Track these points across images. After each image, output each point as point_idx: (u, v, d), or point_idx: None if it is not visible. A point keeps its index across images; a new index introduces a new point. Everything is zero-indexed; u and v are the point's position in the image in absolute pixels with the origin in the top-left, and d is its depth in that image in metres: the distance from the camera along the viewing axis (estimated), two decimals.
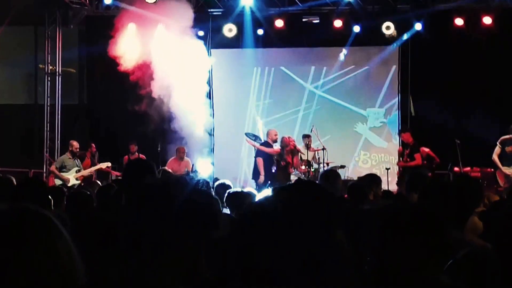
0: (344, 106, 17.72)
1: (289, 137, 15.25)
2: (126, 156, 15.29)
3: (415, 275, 2.57)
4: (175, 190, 2.59)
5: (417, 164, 14.27)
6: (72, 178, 14.20)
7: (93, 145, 15.73)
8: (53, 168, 14.68)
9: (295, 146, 15.22)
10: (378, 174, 14.15)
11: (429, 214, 2.74)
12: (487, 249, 3.36)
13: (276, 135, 15.20)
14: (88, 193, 6.87)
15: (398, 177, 14.70)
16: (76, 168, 14.48)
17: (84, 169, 14.77)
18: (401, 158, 14.71)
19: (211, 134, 17.20)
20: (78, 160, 14.74)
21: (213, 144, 17.38)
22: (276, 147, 14.97)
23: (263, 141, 15.48)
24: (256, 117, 17.35)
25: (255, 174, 14.99)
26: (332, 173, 7.79)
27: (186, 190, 2.62)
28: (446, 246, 2.70)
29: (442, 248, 2.67)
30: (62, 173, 14.28)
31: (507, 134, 13.53)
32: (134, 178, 4.49)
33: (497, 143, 13.51)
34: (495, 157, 13.50)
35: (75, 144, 14.66)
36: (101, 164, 14.89)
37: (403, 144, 15.05)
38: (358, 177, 10.25)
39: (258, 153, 15.04)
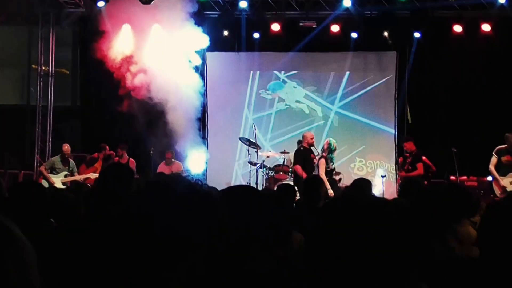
0: (338, 113, 17.58)
1: (335, 142, 13.86)
2: (117, 158, 15.16)
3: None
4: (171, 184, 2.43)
5: (419, 174, 14.10)
6: (58, 181, 14.03)
7: (107, 147, 15.47)
8: (42, 168, 14.55)
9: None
10: (374, 182, 14.14)
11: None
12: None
13: (312, 138, 14.17)
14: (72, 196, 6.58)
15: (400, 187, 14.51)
16: (65, 173, 14.33)
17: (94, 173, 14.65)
18: (402, 168, 14.50)
19: (205, 137, 17.06)
20: (72, 164, 14.59)
21: (207, 148, 17.21)
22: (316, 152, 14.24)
23: (257, 146, 15.33)
24: (252, 121, 17.11)
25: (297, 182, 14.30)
26: (313, 178, 7.67)
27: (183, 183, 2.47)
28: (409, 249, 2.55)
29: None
30: (50, 175, 14.14)
31: (504, 143, 13.45)
32: (110, 184, 4.34)
33: (493, 153, 13.41)
34: (491, 167, 13.39)
35: (66, 147, 14.55)
36: (90, 174, 14.63)
37: (404, 153, 14.88)
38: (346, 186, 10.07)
39: (295, 160, 14.58)
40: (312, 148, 14.21)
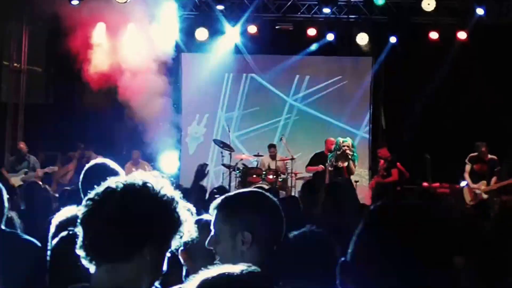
0: (314, 116, 17.56)
1: (343, 141, 13.42)
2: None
3: None
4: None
5: (394, 180, 14.12)
6: (18, 180, 13.90)
7: (82, 146, 15.36)
8: (2, 170, 14.49)
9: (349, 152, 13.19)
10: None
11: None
12: None
13: (332, 144, 13.81)
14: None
15: (372, 193, 14.49)
16: (25, 170, 14.26)
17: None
18: (377, 173, 14.49)
19: (179, 139, 16.96)
20: (32, 160, 14.53)
21: (181, 150, 17.12)
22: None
23: (230, 149, 15.29)
24: (225, 123, 17.00)
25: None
26: (309, 184, 7.66)
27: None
28: None
29: None
30: (10, 175, 14.08)
31: (474, 151, 13.58)
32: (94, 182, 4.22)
33: (466, 160, 13.54)
34: (466, 175, 13.54)
35: (21, 145, 14.64)
36: (47, 168, 14.58)
37: (378, 159, 14.91)
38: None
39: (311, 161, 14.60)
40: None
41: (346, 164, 12.95)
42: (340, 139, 13.33)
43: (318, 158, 14.28)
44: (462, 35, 16.13)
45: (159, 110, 15.76)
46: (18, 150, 14.64)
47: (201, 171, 5.84)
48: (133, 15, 15.53)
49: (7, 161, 15.09)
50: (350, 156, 12.98)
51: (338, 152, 13.04)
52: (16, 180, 13.94)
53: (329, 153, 13.45)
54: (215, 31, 16.80)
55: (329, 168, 13.13)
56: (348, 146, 13.02)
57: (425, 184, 14.61)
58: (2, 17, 16.62)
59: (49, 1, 15.30)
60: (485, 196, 13.26)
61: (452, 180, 14.65)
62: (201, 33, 16.75)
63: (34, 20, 16.11)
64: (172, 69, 16.67)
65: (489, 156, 13.59)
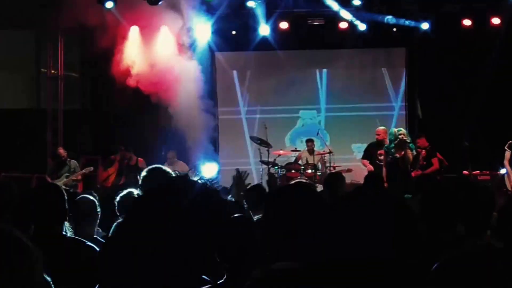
0: (349, 108, 17.55)
1: (397, 130, 13.36)
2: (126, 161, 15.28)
3: None
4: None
5: (436, 169, 14.04)
6: (61, 185, 14.08)
7: (123, 148, 15.54)
8: (46, 177, 14.71)
9: (405, 138, 13.07)
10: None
11: None
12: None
13: (379, 134, 14.24)
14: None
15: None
16: (66, 174, 14.50)
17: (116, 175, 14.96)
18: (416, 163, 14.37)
19: (216, 140, 17.06)
20: (73, 164, 14.75)
21: (218, 148, 17.22)
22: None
23: (268, 145, 15.36)
24: (262, 120, 17.06)
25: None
26: (333, 176, 7.64)
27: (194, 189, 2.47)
28: None
29: None
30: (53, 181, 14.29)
31: None
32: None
33: (505, 147, 13.35)
34: (505, 162, 13.34)
35: (60, 151, 14.84)
36: (85, 169, 14.80)
37: (416, 149, 14.82)
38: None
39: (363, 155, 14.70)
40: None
41: (402, 153, 12.87)
42: (395, 129, 13.31)
43: (372, 148, 14.39)
44: (496, 20, 16.00)
45: (195, 110, 15.87)
46: (57, 155, 14.86)
47: (240, 179, 5.96)
48: (165, 18, 15.64)
49: (48, 168, 15.32)
50: (407, 144, 12.96)
51: (396, 142, 12.98)
52: (59, 184, 14.16)
53: (385, 145, 13.40)
54: (246, 29, 16.86)
55: (388, 159, 13.12)
56: (403, 134, 12.99)
57: (465, 172, 14.52)
58: (38, 25, 16.89)
59: (82, 6, 15.49)
60: None
61: (492, 167, 14.53)
62: (234, 32, 16.84)
63: (69, 26, 16.28)
64: (206, 70, 16.76)
65: None
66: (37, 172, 15.88)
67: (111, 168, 15.27)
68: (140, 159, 15.20)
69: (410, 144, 13.10)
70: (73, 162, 14.83)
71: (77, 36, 17.33)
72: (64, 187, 13.66)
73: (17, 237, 1.77)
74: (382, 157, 13.77)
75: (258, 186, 7.35)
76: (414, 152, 13.20)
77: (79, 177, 14.65)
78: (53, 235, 4.48)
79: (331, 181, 7.38)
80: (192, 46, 16.13)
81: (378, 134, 14.35)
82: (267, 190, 7.61)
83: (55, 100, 17.02)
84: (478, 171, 14.73)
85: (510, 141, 13.37)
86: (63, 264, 4.23)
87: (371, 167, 13.99)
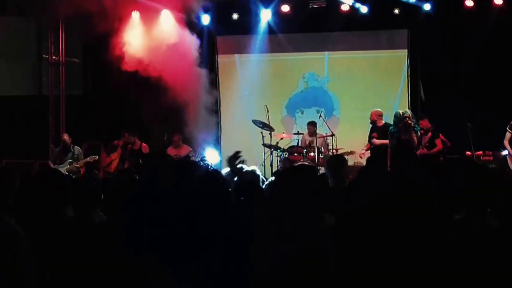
0: (351, 90, 17.53)
1: (402, 113, 13.21)
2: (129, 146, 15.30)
3: None
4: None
5: (439, 150, 14.05)
6: (63, 171, 14.19)
7: (127, 134, 15.60)
8: (49, 163, 14.75)
9: (410, 122, 12.96)
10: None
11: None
12: None
13: (372, 115, 14.59)
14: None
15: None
16: (69, 161, 14.55)
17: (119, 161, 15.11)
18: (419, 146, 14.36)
19: (218, 122, 17.07)
20: (76, 150, 14.85)
21: (220, 133, 17.22)
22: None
23: (270, 128, 15.37)
24: (264, 103, 17.03)
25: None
26: (336, 159, 7.63)
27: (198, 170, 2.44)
28: None
29: None
30: (56, 167, 14.35)
31: None
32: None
33: (507, 128, 13.38)
34: (505, 142, 13.37)
35: (65, 137, 14.97)
36: (89, 157, 14.85)
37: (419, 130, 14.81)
38: None
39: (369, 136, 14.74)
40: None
41: (407, 136, 12.84)
42: (400, 111, 13.24)
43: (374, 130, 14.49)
44: (498, 1, 15.93)
45: (196, 94, 15.86)
46: (62, 141, 14.93)
47: (233, 159, 5.98)
48: (166, 2, 15.61)
49: (51, 153, 15.34)
50: (412, 127, 12.91)
51: (400, 125, 12.94)
52: (62, 170, 14.22)
53: (390, 127, 13.33)
54: (247, 13, 16.82)
55: (393, 142, 13.05)
56: (408, 117, 12.92)
57: (468, 153, 14.51)
58: (39, 11, 16.82)
59: None
60: None
61: (495, 148, 14.53)
62: (235, 16, 16.81)
63: (70, 12, 16.23)
64: (207, 54, 16.76)
65: None
66: (39, 159, 15.90)
67: (114, 154, 15.32)
68: (144, 144, 15.24)
69: (416, 127, 13.06)
70: (77, 149, 14.90)
71: (78, 22, 17.29)
72: (67, 173, 13.79)
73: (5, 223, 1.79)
74: (374, 140, 14.19)
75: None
76: (419, 134, 13.18)
77: (82, 165, 14.69)
78: (58, 220, 4.50)
79: (332, 163, 7.35)
80: (193, 30, 16.09)
81: (370, 116, 14.41)
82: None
83: (57, 86, 17.01)
84: (481, 152, 14.72)
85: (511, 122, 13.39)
86: (68, 247, 4.26)
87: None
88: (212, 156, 15.03)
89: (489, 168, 6.90)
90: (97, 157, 15.00)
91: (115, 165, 15.10)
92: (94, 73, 18.05)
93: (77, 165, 14.57)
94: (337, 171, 7.09)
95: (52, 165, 14.44)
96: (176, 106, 15.49)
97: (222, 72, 17.76)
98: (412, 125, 12.89)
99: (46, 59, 17.14)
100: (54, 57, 16.95)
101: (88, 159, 14.79)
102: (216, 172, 2.47)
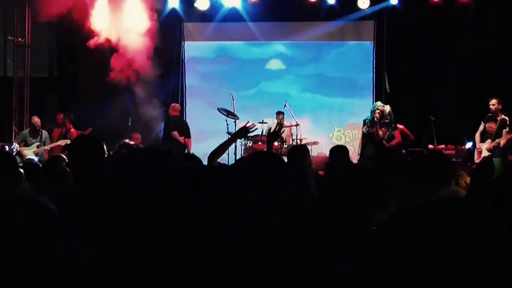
0: (317, 80, 17.60)
1: (375, 106, 13.52)
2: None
3: None
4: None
5: (398, 142, 14.14)
6: (31, 153, 14.18)
7: (61, 116, 15.56)
8: (14, 142, 14.69)
9: (378, 116, 13.15)
10: (352, 151, 14.20)
11: None
12: None
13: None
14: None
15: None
16: (37, 143, 14.51)
17: (56, 141, 14.91)
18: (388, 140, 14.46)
19: (183, 111, 17.07)
20: (44, 134, 14.73)
21: (185, 119, 17.21)
22: None
23: (235, 116, 15.40)
24: (230, 91, 17.03)
25: None
26: (298, 148, 7.66)
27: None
28: None
29: None
30: (22, 149, 14.32)
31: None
32: (79, 156, 4.39)
33: (482, 121, 13.36)
34: (477, 134, 13.36)
35: (35, 119, 14.78)
36: (60, 141, 14.83)
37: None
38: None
39: None
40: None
41: (374, 130, 13.02)
42: (379, 105, 13.37)
43: None
44: None
45: (160, 79, 15.87)
46: (32, 124, 14.82)
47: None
48: None
49: (19, 135, 15.15)
50: (379, 122, 13.04)
51: (370, 118, 13.17)
52: (29, 152, 14.23)
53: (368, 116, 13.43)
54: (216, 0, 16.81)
55: (364, 130, 13.27)
56: (379, 111, 13.06)
57: (430, 146, 14.65)
58: None
59: None
60: (486, 154, 13.19)
61: (457, 141, 14.69)
62: (202, 2, 16.77)
63: None
64: (174, 39, 16.74)
65: (502, 116, 13.34)
66: (2, 141, 15.80)
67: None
68: (73, 130, 15.24)
69: (392, 125, 13.21)
70: (45, 133, 14.84)
71: (45, 4, 17.15)
72: (34, 156, 13.76)
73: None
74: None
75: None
76: (390, 132, 13.28)
77: (48, 149, 14.64)
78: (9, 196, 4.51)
79: (295, 153, 7.40)
80: (160, 15, 16.06)
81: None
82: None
83: (22, 68, 16.86)
84: (444, 146, 14.87)
85: (487, 115, 13.35)
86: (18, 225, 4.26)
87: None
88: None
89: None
90: (69, 141, 14.94)
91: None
92: (59, 56, 17.94)
93: (46, 148, 14.54)
94: (298, 161, 7.14)
95: (19, 147, 14.38)
96: (142, 92, 15.48)
97: (189, 57, 17.72)
98: (383, 120, 13.02)
99: (11, 41, 16.97)
100: (19, 39, 16.77)
101: (59, 142, 14.77)
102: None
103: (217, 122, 16.35)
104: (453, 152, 14.71)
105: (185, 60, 17.66)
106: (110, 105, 15.49)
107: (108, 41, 15.61)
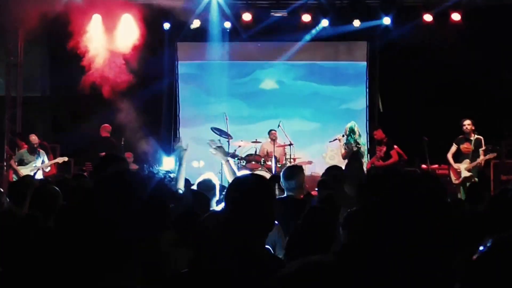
0: (311, 101, 17.63)
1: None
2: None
3: None
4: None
5: (394, 161, 14.24)
6: (27, 172, 14.02)
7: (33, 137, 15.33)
8: (12, 162, 14.62)
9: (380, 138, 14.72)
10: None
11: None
12: None
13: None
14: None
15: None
16: (34, 165, 14.37)
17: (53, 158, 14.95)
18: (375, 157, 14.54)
19: (177, 128, 17.04)
20: (41, 153, 14.56)
21: (179, 138, 17.13)
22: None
23: (229, 136, 15.38)
24: (223, 111, 17.01)
25: None
26: (293, 169, 7.64)
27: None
28: None
29: None
30: (19, 168, 14.20)
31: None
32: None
33: (454, 142, 13.73)
34: (449, 155, 13.90)
35: (33, 138, 14.63)
36: (58, 158, 14.77)
37: (376, 142, 15.01)
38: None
39: None
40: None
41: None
42: (355, 127, 13.67)
43: None
44: (456, 16, 16.17)
45: (154, 99, 15.85)
46: (29, 141, 14.67)
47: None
48: (127, 6, 15.56)
49: (16, 154, 15.03)
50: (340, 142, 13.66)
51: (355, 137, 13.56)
52: (26, 171, 14.06)
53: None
54: (209, 20, 16.80)
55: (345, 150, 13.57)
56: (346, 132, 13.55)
57: (423, 166, 14.68)
58: None
59: None
60: (467, 174, 13.55)
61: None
62: (196, 22, 16.78)
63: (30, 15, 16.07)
64: (168, 59, 16.74)
65: (475, 136, 13.71)
66: None
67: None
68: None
69: (347, 140, 13.53)
70: (42, 152, 14.72)
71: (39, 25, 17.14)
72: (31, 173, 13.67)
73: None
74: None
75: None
76: (349, 147, 13.44)
77: (47, 168, 14.59)
78: None
79: (288, 173, 7.37)
80: (154, 35, 16.06)
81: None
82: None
83: (14, 87, 16.79)
84: (437, 165, 14.92)
85: (459, 136, 13.70)
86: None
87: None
88: (169, 164, 14.95)
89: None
90: (67, 158, 14.91)
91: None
92: (52, 75, 17.88)
93: (42, 166, 14.43)
94: (293, 180, 7.14)
95: (15, 166, 14.29)
96: (136, 112, 15.45)
97: (182, 78, 17.72)
98: (342, 140, 13.61)
99: (3, 60, 16.91)
100: (12, 58, 16.71)
101: (57, 160, 14.70)
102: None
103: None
104: (447, 171, 14.72)
105: (179, 78, 17.66)
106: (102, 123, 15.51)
107: (99, 58, 15.58)
